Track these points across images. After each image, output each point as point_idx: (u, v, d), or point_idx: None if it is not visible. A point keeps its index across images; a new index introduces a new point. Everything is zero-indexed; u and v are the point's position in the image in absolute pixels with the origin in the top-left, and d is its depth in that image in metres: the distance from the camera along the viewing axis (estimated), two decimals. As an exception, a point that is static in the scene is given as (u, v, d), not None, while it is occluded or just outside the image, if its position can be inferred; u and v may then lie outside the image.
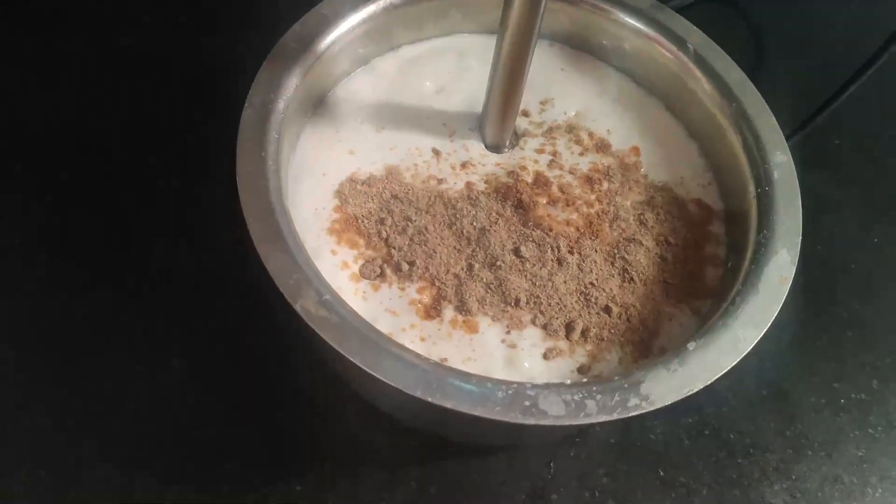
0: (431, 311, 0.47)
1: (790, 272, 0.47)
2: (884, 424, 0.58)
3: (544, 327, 0.48)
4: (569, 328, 0.48)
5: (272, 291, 0.42)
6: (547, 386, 0.42)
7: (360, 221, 0.50)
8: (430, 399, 0.40)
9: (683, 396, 0.42)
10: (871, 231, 0.69)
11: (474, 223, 0.51)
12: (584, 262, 0.50)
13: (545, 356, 0.47)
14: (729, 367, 0.43)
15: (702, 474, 0.55)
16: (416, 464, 0.51)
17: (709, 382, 0.42)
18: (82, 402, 0.52)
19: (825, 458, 0.56)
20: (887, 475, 0.56)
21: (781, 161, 0.51)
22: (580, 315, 0.48)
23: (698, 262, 0.52)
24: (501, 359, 0.47)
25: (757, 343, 0.56)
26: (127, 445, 0.51)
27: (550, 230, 0.51)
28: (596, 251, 0.51)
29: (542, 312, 0.48)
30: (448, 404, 0.40)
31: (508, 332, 0.47)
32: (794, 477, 0.55)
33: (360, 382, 0.52)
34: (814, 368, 0.60)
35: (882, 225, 0.69)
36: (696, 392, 0.57)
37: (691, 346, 0.44)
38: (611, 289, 0.49)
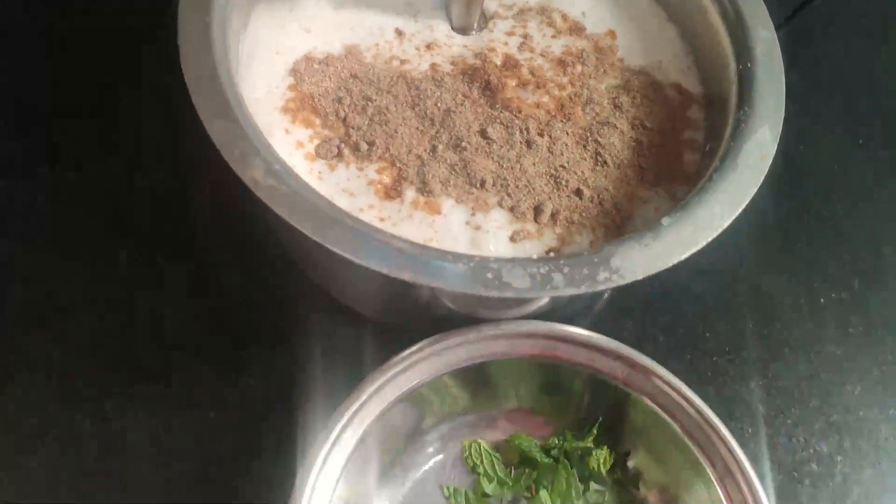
0: (392, 192, 0.45)
1: (771, 149, 0.44)
2: (864, 325, 0.57)
3: (511, 210, 0.45)
4: (537, 211, 0.45)
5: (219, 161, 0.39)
6: (512, 260, 0.39)
7: (316, 100, 0.47)
8: (385, 270, 0.37)
9: (656, 271, 0.40)
10: (858, 134, 0.66)
11: (439, 104, 0.47)
12: (554, 144, 0.47)
13: (512, 239, 0.44)
14: (704, 244, 0.41)
15: (676, 372, 0.52)
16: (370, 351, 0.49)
17: (683, 258, 0.40)
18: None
19: (803, 357, 0.55)
20: (866, 374, 0.55)
21: (765, 37, 0.48)
22: (549, 198, 0.46)
23: (676, 147, 0.49)
24: (465, 241, 0.44)
25: (736, 245, 0.55)
26: (76, 341, 0.48)
27: (519, 112, 0.48)
28: (567, 134, 0.48)
29: (509, 195, 0.45)
30: (405, 276, 0.38)
31: (473, 214, 0.45)
32: (770, 375, 0.54)
33: (313, 263, 0.50)
34: (793, 270, 0.58)
35: (868, 129, 0.67)
36: (673, 292, 0.56)
37: (666, 221, 0.41)
38: (582, 172, 0.47)
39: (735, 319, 0.55)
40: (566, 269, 0.39)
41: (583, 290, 0.38)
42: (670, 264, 0.40)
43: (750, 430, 0.51)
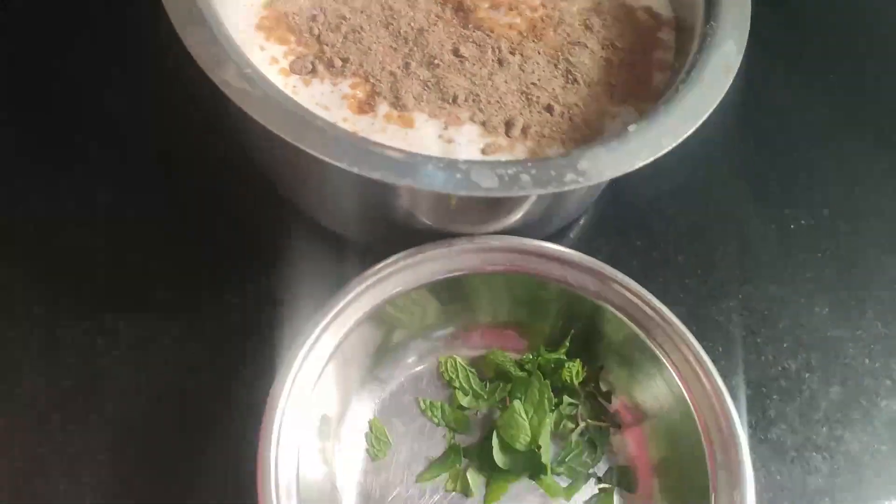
0: (365, 106, 0.45)
1: (735, 62, 0.45)
2: (833, 249, 0.58)
3: (483, 124, 0.46)
4: (508, 125, 0.46)
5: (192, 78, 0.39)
6: (481, 161, 0.40)
7: (290, 18, 0.47)
8: (356, 170, 0.38)
9: (622, 173, 0.41)
10: (829, 75, 0.67)
11: (412, 24, 0.48)
12: (526, 63, 0.48)
13: (483, 151, 0.45)
14: (670, 148, 0.42)
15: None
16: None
17: (648, 161, 0.41)
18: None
19: (773, 280, 0.56)
20: (835, 296, 0.56)
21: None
22: (521, 113, 0.46)
23: (646, 67, 0.50)
24: (438, 153, 0.45)
25: (710, 173, 0.56)
26: (57, 262, 0.49)
27: (492, 32, 0.49)
28: (539, 53, 0.49)
29: (481, 110, 0.46)
30: (375, 175, 0.38)
31: (446, 128, 0.46)
32: (741, 297, 0.55)
33: (287, 179, 0.51)
34: (765, 198, 0.60)
35: (839, 71, 0.68)
36: (647, 217, 0.57)
37: (632, 128, 0.42)
38: (553, 89, 0.48)
39: (707, 244, 0.56)
40: (534, 171, 0.40)
41: (549, 189, 0.39)
42: (636, 167, 0.41)
43: (721, 349, 0.53)
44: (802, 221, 0.59)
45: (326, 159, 0.38)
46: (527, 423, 0.46)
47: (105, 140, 0.54)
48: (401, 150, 0.39)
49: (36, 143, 0.54)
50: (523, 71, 0.48)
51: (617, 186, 0.55)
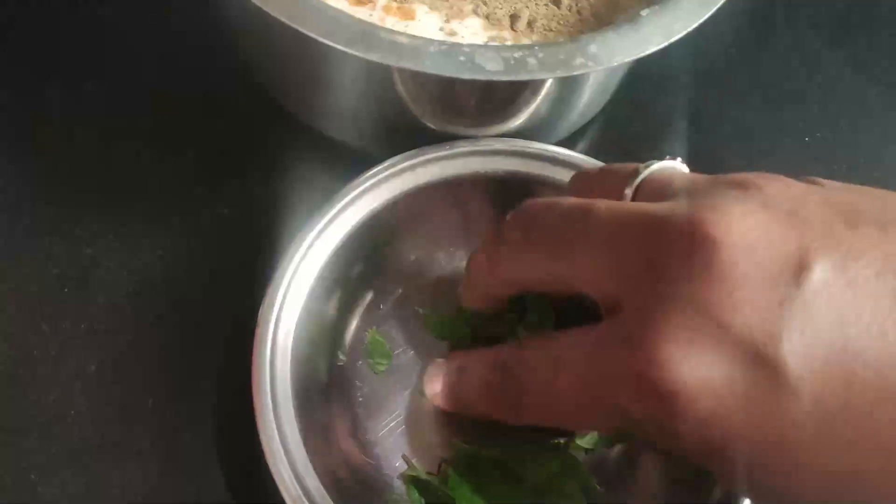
0: (362, -3, 0.43)
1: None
2: (848, 164, 0.56)
3: (487, 17, 0.44)
4: (514, 18, 0.44)
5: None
6: (485, 45, 0.38)
7: None
8: (354, 51, 0.36)
9: (633, 58, 0.38)
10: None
11: (411, -87, 0.45)
12: (531, -47, 0.45)
13: (487, 45, 0.43)
14: (684, 32, 0.39)
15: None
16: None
17: (661, 46, 0.39)
18: None
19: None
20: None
21: None
22: (526, 6, 0.44)
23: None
24: (439, 46, 0.42)
25: (719, 84, 0.53)
26: (50, 169, 0.47)
27: (496, -79, 0.46)
28: (546, -58, 0.46)
29: (484, 2, 0.44)
30: (374, 57, 0.36)
31: (448, 21, 0.43)
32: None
33: (280, 77, 0.48)
34: (779, 107, 0.57)
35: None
36: (657, 128, 0.55)
37: (644, 12, 0.40)
38: (560, -21, 0.45)
39: (719, 156, 0.54)
40: (541, 55, 0.37)
41: (557, 73, 0.37)
42: (648, 51, 0.38)
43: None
44: (818, 134, 0.56)
45: (320, 39, 0.36)
46: None
47: (88, 45, 0.52)
48: (401, 32, 0.37)
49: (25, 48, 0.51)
50: (528, -39, 0.45)
51: (627, 94, 0.53)
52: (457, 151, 0.44)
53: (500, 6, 0.43)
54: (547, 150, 0.45)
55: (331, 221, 0.42)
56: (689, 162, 0.53)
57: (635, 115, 0.55)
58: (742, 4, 0.41)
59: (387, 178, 0.43)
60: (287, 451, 0.37)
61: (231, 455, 0.42)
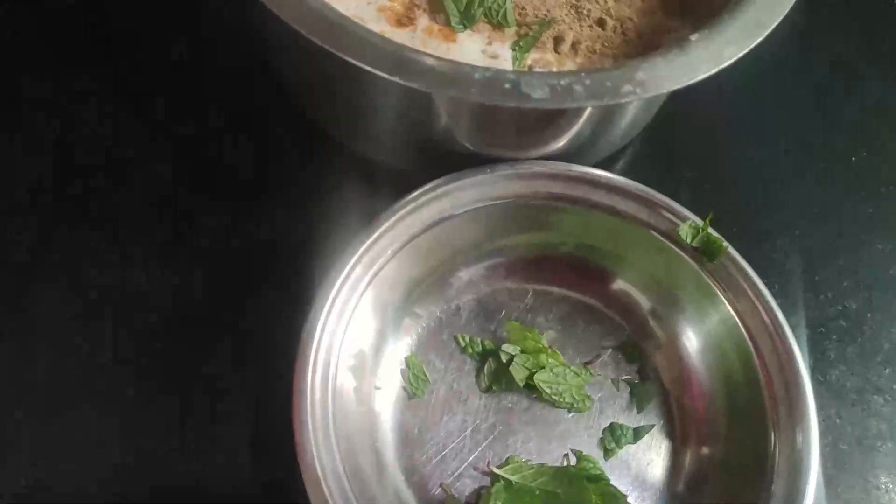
0: (404, 19, 0.43)
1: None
2: (895, 183, 0.54)
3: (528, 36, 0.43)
4: (557, 41, 0.43)
5: None
6: (531, 72, 0.37)
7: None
8: (397, 79, 0.35)
9: (682, 85, 0.37)
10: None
11: (453, -67, 0.45)
12: (575, -26, 0.44)
13: (530, 68, 0.42)
14: (734, 59, 0.38)
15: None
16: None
17: (711, 73, 0.38)
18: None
19: (833, 215, 0.53)
20: (894, 234, 0.52)
21: None
22: (570, 27, 0.43)
23: (704, -21, 0.46)
24: (481, 69, 0.42)
25: (766, 103, 0.52)
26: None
27: (538, -59, 0.45)
28: (589, -37, 0.45)
29: (527, 24, 0.43)
30: (416, 84, 0.36)
31: (489, 44, 0.43)
32: (798, 233, 0.52)
33: (318, 99, 0.48)
34: (826, 129, 0.56)
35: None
36: (700, 148, 0.54)
37: (694, 37, 0.39)
38: (605, 1, 0.44)
39: (763, 176, 0.53)
40: (588, 82, 0.37)
41: (605, 101, 0.36)
42: (698, 78, 0.37)
43: (777, 287, 0.49)
44: (865, 154, 0.55)
45: (364, 66, 0.35)
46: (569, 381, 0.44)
47: (129, 64, 0.52)
48: (444, 59, 0.36)
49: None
50: (572, -18, 0.44)
51: (667, 116, 0.52)
52: (497, 175, 0.43)
53: (543, 28, 0.43)
54: (589, 174, 0.44)
55: (371, 246, 0.41)
56: (733, 183, 0.53)
57: (676, 132, 0.54)
58: (790, 22, 0.40)
59: (427, 202, 0.43)
60: (325, 479, 0.37)
61: (268, 474, 0.42)
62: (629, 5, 0.44)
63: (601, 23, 0.43)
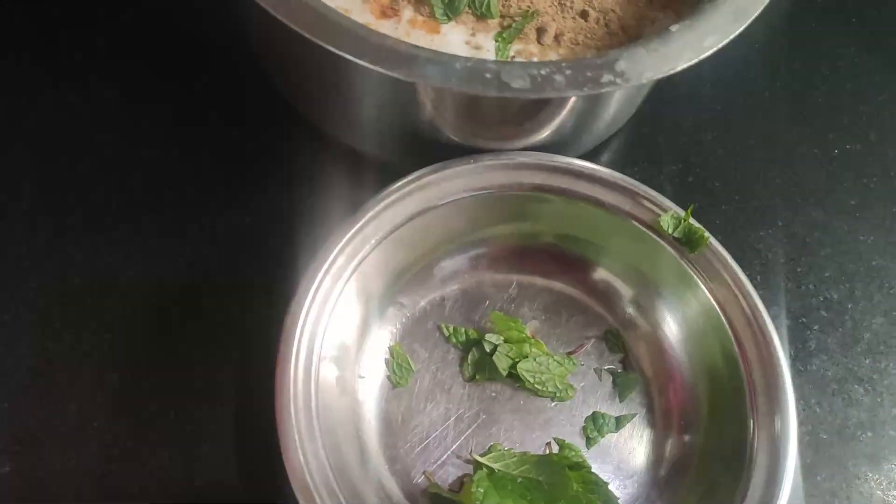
0: (388, 10, 0.43)
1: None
2: (879, 174, 0.55)
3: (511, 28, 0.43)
4: (540, 32, 0.43)
5: None
6: (511, 62, 0.37)
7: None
8: (379, 68, 0.36)
9: (663, 75, 0.38)
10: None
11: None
12: (558, -35, 0.45)
13: (513, 59, 0.42)
14: (715, 49, 0.39)
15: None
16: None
17: (692, 62, 0.38)
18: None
19: (815, 205, 0.53)
20: (880, 223, 0.53)
21: None
22: (553, 19, 0.43)
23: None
24: (465, 60, 0.42)
25: (750, 93, 0.52)
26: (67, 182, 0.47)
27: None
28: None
29: (510, 16, 0.43)
30: (398, 74, 0.36)
31: (473, 35, 0.43)
32: (780, 223, 0.52)
33: (305, 90, 0.48)
34: (808, 120, 0.56)
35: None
36: (682, 140, 0.54)
37: (674, 27, 0.39)
38: (588, -8, 0.44)
39: (746, 169, 0.54)
40: (568, 72, 0.37)
41: (585, 91, 0.37)
42: (678, 68, 0.38)
43: (759, 278, 0.50)
44: (848, 146, 0.55)
45: (348, 56, 0.35)
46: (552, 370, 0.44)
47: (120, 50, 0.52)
48: (426, 49, 0.37)
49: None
50: (556, -26, 0.44)
51: (651, 109, 0.52)
52: (480, 165, 0.44)
53: (526, 20, 0.43)
54: (572, 164, 0.44)
55: (354, 236, 0.42)
56: (716, 172, 0.53)
57: (661, 125, 0.54)
58: (772, 12, 0.40)
59: (411, 192, 0.43)
60: (308, 468, 0.37)
61: (251, 464, 0.42)
62: (612, -4, 0.44)
63: (584, 14, 0.44)
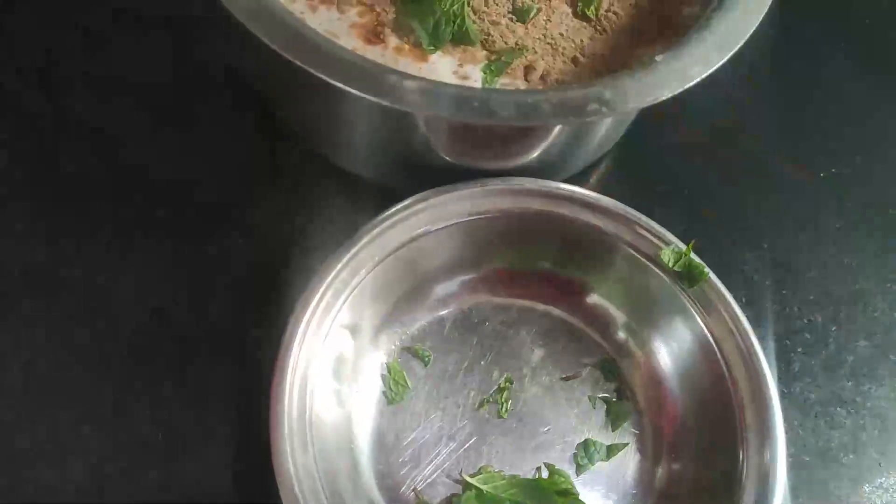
0: (372, 37, 0.43)
1: (771, -8, 0.43)
2: (864, 199, 0.56)
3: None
4: (528, 70, 0.44)
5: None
6: (499, 90, 0.38)
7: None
8: (367, 95, 0.36)
9: (647, 104, 0.38)
10: (865, 18, 0.64)
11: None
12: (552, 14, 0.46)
13: (500, 89, 0.43)
14: (700, 78, 0.39)
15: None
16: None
17: (676, 92, 0.39)
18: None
19: (801, 229, 0.54)
20: (865, 246, 0.54)
21: None
22: (543, 59, 0.44)
23: (676, 4, 0.47)
24: (452, 89, 0.43)
25: (737, 118, 0.53)
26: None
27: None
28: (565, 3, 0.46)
29: (495, 51, 0.44)
30: (387, 101, 0.36)
31: (461, 65, 0.44)
32: (766, 246, 0.53)
33: (299, 114, 0.49)
34: (794, 144, 0.57)
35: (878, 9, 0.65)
36: (670, 163, 0.55)
37: (659, 58, 0.40)
38: (581, 41, 0.45)
39: (733, 192, 0.54)
40: (555, 100, 0.37)
41: (570, 120, 0.37)
42: (663, 97, 0.39)
43: (744, 300, 0.50)
44: (834, 169, 0.56)
45: (337, 84, 0.36)
46: None
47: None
48: (415, 77, 0.37)
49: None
50: (550, 21, 0.45)
51: (639, 130, 0.53)
52: (477, 190, 0.44)
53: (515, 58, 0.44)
54: (574, 192, 0.44)
55: (354, 257, 0.42)
56: (703, 194, 0.54)
57: (649, 147, 0.55)
58: (758, 37, 0.41)
59: (407, 217, 0.43)
60: (298, 479, 0.37)
61: (245, 483, 0.42)
62: (604, 42, 0.45)
63: (574, 60, 0.45)
